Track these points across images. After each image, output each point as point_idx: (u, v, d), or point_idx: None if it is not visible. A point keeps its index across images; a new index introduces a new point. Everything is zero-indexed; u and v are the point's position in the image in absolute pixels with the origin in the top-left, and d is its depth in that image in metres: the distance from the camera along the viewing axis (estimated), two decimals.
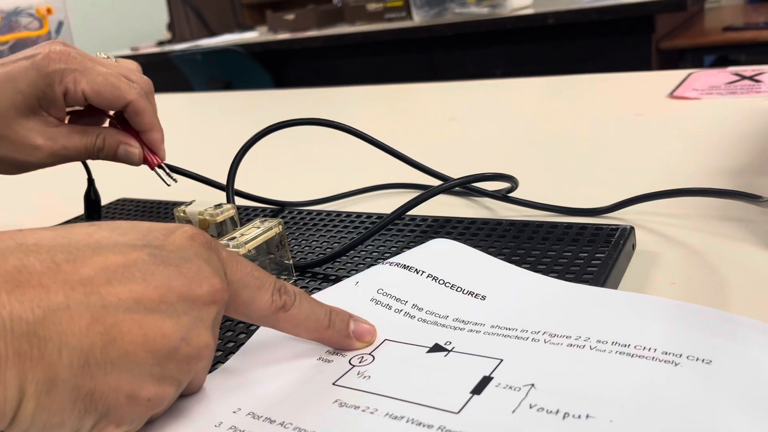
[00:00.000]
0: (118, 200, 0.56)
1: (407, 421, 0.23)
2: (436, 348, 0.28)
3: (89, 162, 0.45)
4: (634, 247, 0.36)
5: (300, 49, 2.22)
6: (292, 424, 0.24)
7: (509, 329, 0.28)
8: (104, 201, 0.56)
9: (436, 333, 0.29)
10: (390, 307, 0.31)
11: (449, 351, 0.27)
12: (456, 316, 0.30)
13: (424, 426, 0.23)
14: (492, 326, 0.29)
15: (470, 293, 0.31)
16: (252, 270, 0.26)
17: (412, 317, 0.30)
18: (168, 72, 2.46)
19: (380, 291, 0.32)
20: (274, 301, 0.26)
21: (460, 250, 0.34)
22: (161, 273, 0.23)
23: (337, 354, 0.28)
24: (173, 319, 0.22)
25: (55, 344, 0.20)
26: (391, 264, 0.34)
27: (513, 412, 0.23)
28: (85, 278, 0.21)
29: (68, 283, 0.21)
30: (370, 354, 0.28)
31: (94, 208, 0.47)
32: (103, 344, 0.21)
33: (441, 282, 0.32)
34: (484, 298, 0.31)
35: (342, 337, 0.28)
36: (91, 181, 0.47)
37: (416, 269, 0.33)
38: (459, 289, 0.32)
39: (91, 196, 0.47)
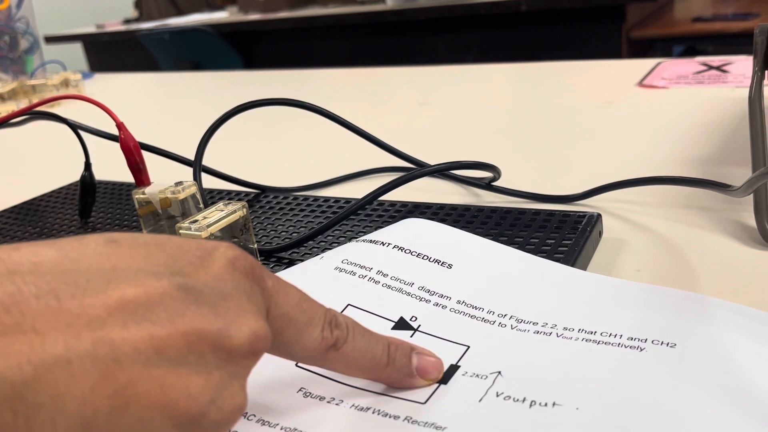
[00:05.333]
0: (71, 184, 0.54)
1: (373, 412, 0.23)
2: (402, 324, 0.27)
3: (88, 144, 0.44)
4: (600, 234, 0.36)
5: (270, 30, 2.19)
6: (255, 416, 0.23)
7: (476, 308, 0.28)
8: (66, 181, 0.54)
9: (401, 302, 0.28)
10: (354, 274, 0.30)
11: (415, 330, 0.27)
12: (422, 285, 0.29)
13: (390, 417, 0.22)
14: (458, 302, 0.28)
15: (436, 261, 0.31)
16: (300, 301, 0.22)
17: (377, 282, 0.30)
18: (135, 51, 2.41)
19: (345, 261, 0.31)
20: (325, 339, 0.22)
21: (429, 226, 0.34)
22: (192, 314, 0.18)
23: None
24: (202, 375, 0.18)
25: (48, 412, 0.15)
26: (357, 240, 0.33)
27: (480, 401, 0.23)
28: (94, 320, 0.16)
29: (71, 327, 0.16)
30: None
31: (89, 192, 0.45)
32: (111, 410, 0.16)
33: (407, 251, 0.32)
34: (450, 266, 0.31)
35: (403, 375, 0.24)
36: (88, 165, 0.46)
37: (382, 242, 0.32)
38: (425, 257, 0.31)
39: (87, 179, 0.45)
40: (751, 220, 0.35)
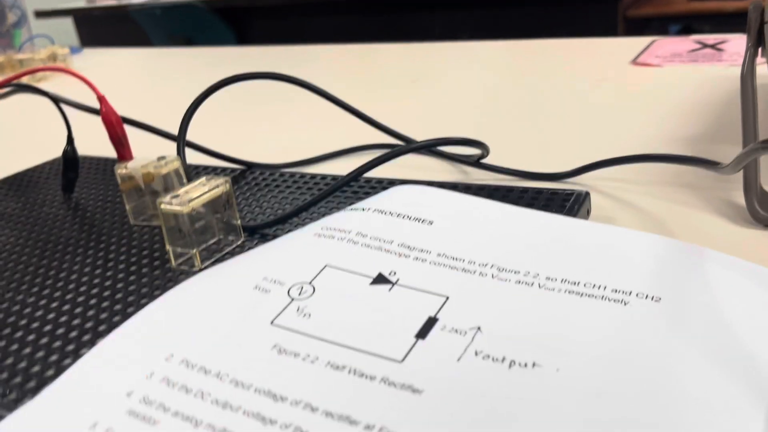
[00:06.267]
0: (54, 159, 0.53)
1: (349, 372, 0.22)
2: (380, 279, 0.27)
3: (72, 120, 0.44)
4: (588, 212, 0.36)
5: (264, 6, 2.16)
6: (228, 375, 0.23)
7: (456, 259, 0.27)
8: (50, 156, 0.53)
9: (380, 259, 0.28)
10: (333, 237, 0.30)
11: (394, 284, 0.26)
12: (401, 241, 0.29)
13: (366, 378, 0.22)
14: (438, 254, 0.28)
15: (417, 219, 0.30)
16: None
17: (356, 243, 0.29)
18: (126, 26, 2.38)
19: (324, 227, 0.31)
20: None
21: (408, 189, 0.33)
22: None
23: (274, 282, 0.27)
24: None
25: None
26: (339, 211, 0.33)
27: (458, 360, 0.22)
28: None
29: None
30: (309, 283, 0.27)
31: (71, 166, 0.44)
32: None
33: (387, 213, 0.31)
34: (431, 223, 0.30)
35: None
36: (70, 139, 0.45)
37: (362, 208, 0.32)
38: (405, 217, 0.31)
39: (69, 153, 0.44)
40: (741, 199, 0.35)
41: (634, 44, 0.75)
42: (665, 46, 0.72)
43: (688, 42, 0.73)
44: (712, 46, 0.70)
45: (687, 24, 1.70)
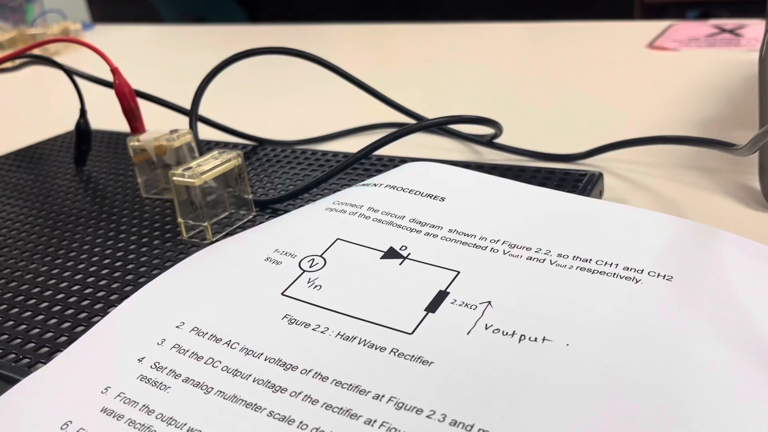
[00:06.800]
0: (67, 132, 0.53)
1: (359, 343, 0.22)
2: (391, 253, 0.27)
3: (85, 94, 0.44)
4: (601, 193, 0.36)
5: None
6: (239, 344, 0.23)
7: (468, 235, 0.27)
8: (63, 129, 0.53)
9: (391, 234, 0.28)
10: (344, 212, 0.30)
11: (404, 258, 0.26)
12: (413, 217, 0.29)
13: (376, 348, 0.22)
14: (450, 230, 0.28)
15: (429, 195, 0.30)
16: None
17: (367, 218, 0.29)
18: (138, 4, 2.37)
19: (336, 202, 0.31)
20: None
21: (421, 165, 0.33)
22: None
23: (285, 254, 0.27)
24: None
25: None
26: (350, 187, 0.33)
27: (468, 333, 0.22)
28: None
29: None
30: (321, 256, 0.27)
31: (84, 139, 0.45)
32: None
33: (399, 189, 0.31)
34: (443, 199, 0.30)
35: None
36: (83, 112, 0.45)
37: (374, 184, 0.32)
38: (418, 193, 0.31)
39: (82, 126, 0.45)
40: (755, 183, 0.35)
41: (650, 28, 0.74)
42: (682, 31, 0.71)
43: (706, 27, 0.72)
44: (731, 31, 0.69)
45: (705, 10, 1.68)
